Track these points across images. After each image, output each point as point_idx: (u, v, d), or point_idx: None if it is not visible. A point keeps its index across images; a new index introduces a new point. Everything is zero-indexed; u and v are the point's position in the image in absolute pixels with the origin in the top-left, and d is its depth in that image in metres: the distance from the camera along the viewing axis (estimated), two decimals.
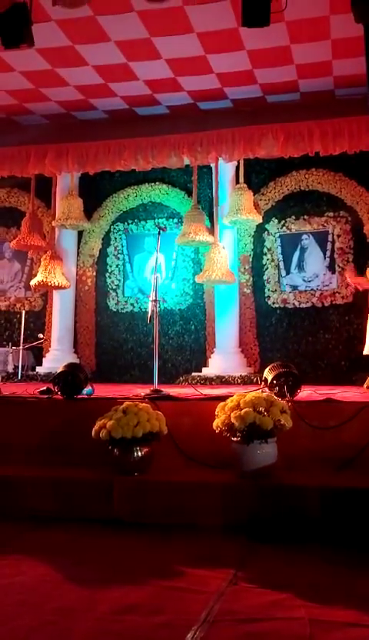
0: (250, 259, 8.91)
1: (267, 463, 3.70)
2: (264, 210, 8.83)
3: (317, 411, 4.15)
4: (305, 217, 8.79)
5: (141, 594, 2.54)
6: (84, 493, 3.79)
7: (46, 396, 4.81)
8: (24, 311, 9.11)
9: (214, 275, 8.22)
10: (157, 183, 9.31)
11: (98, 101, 7.77)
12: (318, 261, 8.71)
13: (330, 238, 8.67)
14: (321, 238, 8.72)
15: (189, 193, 9.06)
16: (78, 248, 9.56)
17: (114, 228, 9.60)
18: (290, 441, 3.85)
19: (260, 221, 8.62)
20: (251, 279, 8.88)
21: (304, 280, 8.74)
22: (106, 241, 9.63)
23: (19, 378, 8.30)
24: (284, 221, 8.87)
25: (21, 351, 8.54)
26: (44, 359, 9.14)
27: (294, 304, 8.66)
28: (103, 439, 3.83)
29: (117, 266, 9.56)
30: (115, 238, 9.60)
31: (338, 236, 8.61)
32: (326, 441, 3.99)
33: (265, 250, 8.90)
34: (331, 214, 8.67)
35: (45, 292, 9.62)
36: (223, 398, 4.06)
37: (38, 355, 9.22)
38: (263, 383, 4.69)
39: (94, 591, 2.58)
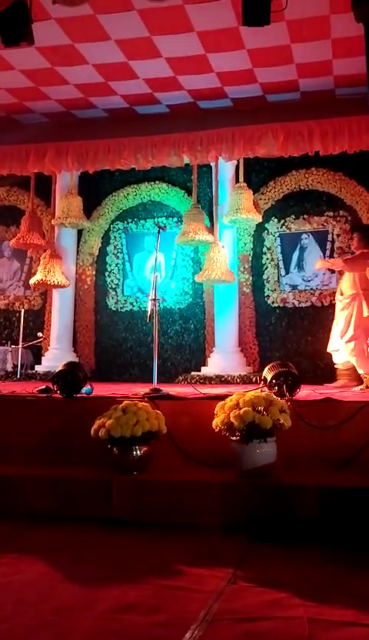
0: (250, 258, 8.91)
1: (267, 462, 3.71)
2: (264, 209, 8.83)
3: (317, 411, 4.15)
4: (305, 216, 8.79)
5: (139, 593, 2.54)
6: (83, 492, 3.79)
7: (45, 395, 4.81)
8: (23, 310, 9.10)
9: (213, 274, 8.22)
10: (156, 182, 9.31)
11: (98, 99, 7.77)
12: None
13: (329, 237, 8.67)
14: (321, 238, 8.72)
15: (189, 192, 9.06)
16: (78, 246, 9.55)
17: (114, 227, 9.60)
18: (289, 441, 3.85)
19: (260, 220, 8.62)
20: (251, 278, 8.88)
21: (303, 279, 8.74)
22: (106, 240, 9.63)
23: (18, 376, 8.30)
24: (283, 221, 8.87)
25: (20, 350, 8.53)
26: (43, 358, 9.14)
27: (293, 303, 8.66)
28: (102, 438, 3.83)
29: (116, 265, 9.56)
30: (115, 237, 9.59)
31: (338, 236, 8.61)
32: (325, 440, 3.99)
33: (265, 249, 8.90)
34: (331, 213, 8.68)
35: (45, 291, 9.61)
36: (222, 398, 4.06)
37: (37, 353, 9.22)
38: (262, 382, 4.69)
39: (93, 589, 2.59)
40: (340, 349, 6.18)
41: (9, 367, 8.72)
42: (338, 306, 6.21)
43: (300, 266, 8.80)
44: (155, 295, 5.32)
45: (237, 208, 8.32)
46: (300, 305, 8.64)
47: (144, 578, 2.72)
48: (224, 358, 8.39)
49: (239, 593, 2.55)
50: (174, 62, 6.78)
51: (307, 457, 3.98)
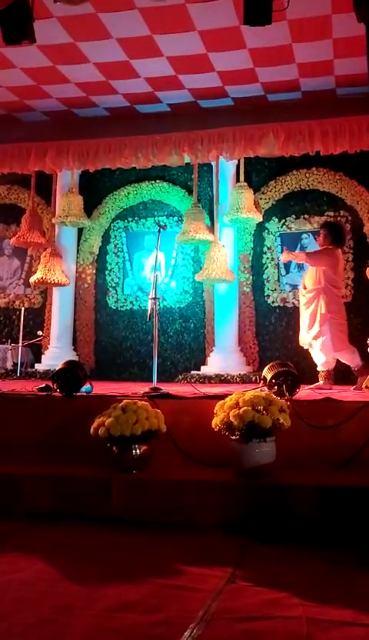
0: (250, 258, 8.92)
1: (266, 462, 3.71)
2: (265, 209, 8.83)
3: (316, 411, 4.15)
4: (305, 216, 8.79)
5: (138, 592, 2.54)
6: (83, 491, 3.79)
7: (45, 394, 4.80)
8: (23, 308, 9.11)
9: (213, 273, 8.22)
10: (157, 181, 9.31)
11: (99, 98, 7.77)
12: None
13: None
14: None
15: (189, 191, 9.06)
16: (78, 245, 9.56)
17: (114, 226, 9.60)
18: (288, 440, 3.85)
19: (261, 219, 8.63)
20: (251, 278, 8.88)
21: None
22: (106, 238, 9.63)
23: (18, 375, 8.30)
24: (284, 220, 8.87)
25: (20, 349, 8.54)
26: (43, 356, 9.14)
27: (293, 303, 8.65)
28: (102, 437, 3.83)
29: (116, 264, 9.56)
30: (115, 236, 9.59)
31: None
32: (324, 440, 3.99)
33: (265, 249, 8.90)
34: (332, 213, 8.67)
35: (45, 289, 9.62)
36: (222, 397, 4.05)
37: (37, 352, 9.22)
38: (262, 382, 4.69)
39: (92, 588, 2.59)
40: (314, 354, 6.21)
41: (9, 365, 8.72)
42: (302, 301, 6.25)
43: (300, 266, 8.78)
44: (155, 293, 5.32)
45: (238, 208, 8.32)
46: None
47: (144, 577, 2.72)
48: (223, 357, 8.39)
49: (238, 592, 2.55)
50: (176, 61, 6.78)
51: (306, 457, 3.97)
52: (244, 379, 7.87)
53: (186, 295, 9.10)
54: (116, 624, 2.24)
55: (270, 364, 4.71)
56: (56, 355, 8.80)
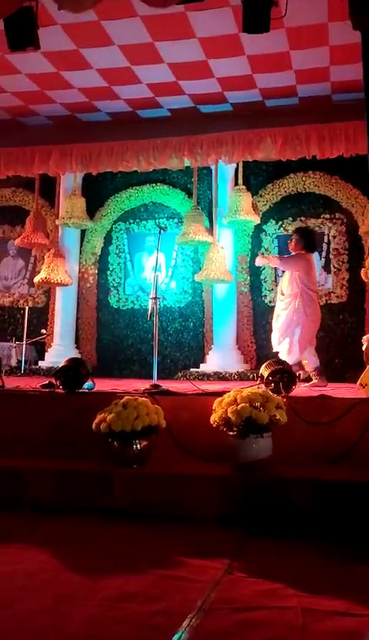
0: (248, 259, 8.91)
1: (263, 456, 3.72)
2: (262, 211, 8.83)
3: (312, 407, 4.16)
4: (302, 218, 8.79)
5: (139, 582, 2.55)
6: (85, 484, 3.80)
7: (48, 390, 4.81)
8: (27, 307, 9.11)
9: (212, 274, 8.22)
10: (158, 184, 9.30)
11: (102, 103, 7.76)
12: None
13: (326, 239, 8.67)
14: (318, 240, 8.70)
15: (189, 194, 9.06)
16: (81, 246, 9.55)
17: (116, 228, 9.60)
18: (285, 436, 3.86)
19: (258, 222, 8.63)
20: (249, 278, 8.88)
21: None
22: (108, 239, 9.63)
23: (22, 372, 8.31)
24: (281, 222, 8.87)
25: (24, 346, 8.53)
26: (46, 354, 9.14)
27: None
28: (103, 432, 3.84)
29: (118, 264, 9.56)
30: (117, 237, 9.59)
31: (334, 237, 8.61)
32: (319, 436, 4.00)
33: (263, 250, 8.90)
34: (327, 215, 8.67)
35: (48, 289, 9.62)
36: (220, 394, 4.06)
37: (40, 349, 9.22)
38: (259, 379, 4.70)
39: (94, 579, 2.59)
40: (282, 350, 6.22)
41: (13, 362, 8.72)
42: (280, 305, 6.27)
43: None
44: (156, 293, 5.33)
45: (236, 210, 8.33)
46: None
47: (144, 568, 2.72)
48: (222, 355, 8.39)
49: (235, 583, 2.56)
50: (176, 68, 6.78)
51: (302, 452, 3.98)
52: (241, 377, 7.87)
53: (185, 295, 9.11)
54: (117, 613, 2.25)
55: (267, 362, 4.72)
56: (59, 352, 8.80)
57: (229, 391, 3.95)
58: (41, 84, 7.22)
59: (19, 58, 6.47)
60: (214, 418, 3.84)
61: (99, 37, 6.12)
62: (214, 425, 3.84)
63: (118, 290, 9.49)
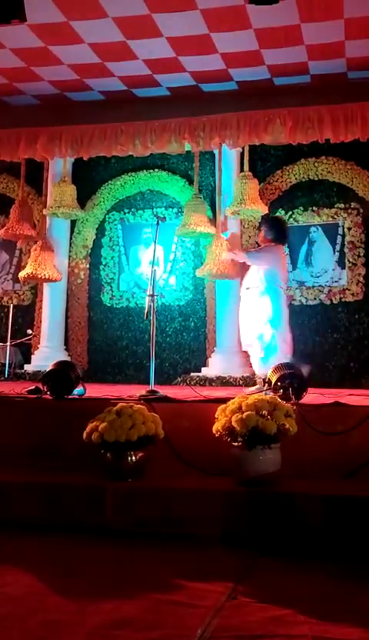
0: None
1: (270, 470, 3.71)
2: (270, 200, 8.82)
3: (324, 416, 4.16)
4: (314, 208, 8.79)
5: (134, 607, 2.55)
6: (75, 500, 3.80)
7: (35, 396, 4.81)
8: (12, 305, 9.09)
9: (215, 268, 8.21)
10: (155, 170, 9.30)
11: (94, 81, 7.76)
12: (327, 255, 8.72)
13: (340, 231, 8.67)
14: (331, 231, 8.72)
15: (190, 181, 9.06)
16: (71, 238, 9.55)
17: (110, 218, 9.59)
18: (294, 447, 3.86)
19: (266, 211, 8.62)
20: None
21: (311, 275, 8.75)
22: (100, 231, 9.62)
23: (6, 376, 8.30)
24: (291, 213, 8.86)
25: (8, 348, 8.53)
26: (32, 357, 9.14)
27: (300, 301, 8.66)
28: (95, 443, 3.84)
29: (112, 258, 9.56)
30: (110, 228, 9.59)
31: (349, 229, 8.61)
32: (333, 447, 4.00)
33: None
34: (342, 205, 8.67)
35: (35, 285, 9.62)
36: (223, 401, 4.06)
37: (26, 352, 9.22)
38: (266, 385, 4.70)
39: (84, 604, 2.59)
40: (252, 346, 6.26)
41: None
42: (244, 301, 6.29)
43: (308, 261, 8.80)
44: (153, 290, 5.33)
45: (242, 199, 8.31)
46: (308, 303, 8.64)
47: (139, 592, 2.72)
48: (225, 358, 8.39)
49: (240, 609, 2.56)
50: (176, 42, 6.77)
51: (313, 464, 3.98)
52: (247, 382, 7.87)
53: (186, 292, 9.11)
54: None
55: (276, 366, 4.72)
56: (47, 355, 8.80)
57: (233, 398, 3.95)
58: (28, 60, 7.22)
59: (3, 32, 6.46)
60: (216, 428, 3.84)
61: (91, 8, 6.11)
62: (216, 435, 3.84)
63: (111, 286, 9.49)
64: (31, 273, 8.79)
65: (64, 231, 9.47)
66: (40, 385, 4.84)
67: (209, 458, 4.03)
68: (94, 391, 5.40)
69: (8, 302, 9.51)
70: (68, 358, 8.64)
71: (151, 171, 9.30)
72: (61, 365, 4.93)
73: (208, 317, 8.95)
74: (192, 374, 8.42)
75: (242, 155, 8.67)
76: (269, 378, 4.61)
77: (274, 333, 6.09)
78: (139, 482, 3.85)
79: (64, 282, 9.37)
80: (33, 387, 5.08)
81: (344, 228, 8.65)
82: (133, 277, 9.48)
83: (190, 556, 3.24)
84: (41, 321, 9.37)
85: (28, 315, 9.59)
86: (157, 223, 5.55)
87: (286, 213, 8.87)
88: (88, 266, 9.57)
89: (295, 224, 8.84)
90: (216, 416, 3.91)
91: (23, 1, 5.11)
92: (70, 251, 9.52)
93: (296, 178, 8.82)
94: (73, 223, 9.55)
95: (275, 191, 8.87)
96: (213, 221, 8.61)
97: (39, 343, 9.22)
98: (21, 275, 8.95)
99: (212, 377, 8.08)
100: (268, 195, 8.82)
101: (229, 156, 8.72)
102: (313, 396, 4.87)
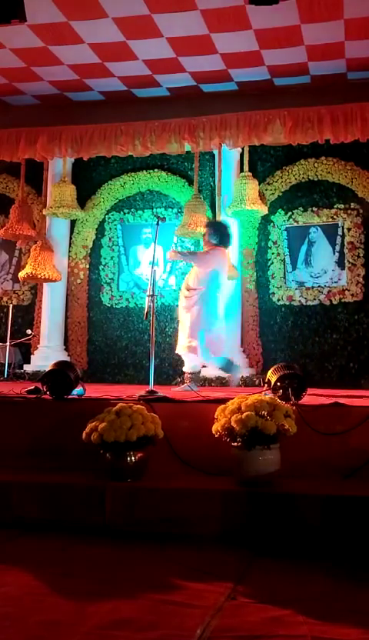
0: (254, 253, 8.92)
1: (270, 470, 3.71)
2: (270, 200, 8.83)
3: (324, 416, 4.15)
4: (314, 208, 8.79)
5: (133, 608, 2.54)
6: (74, 500, 3.79)
7: (34, 396, 4.81)
8: (11, 305, 9.10)
9: None
10: (155, 170, 9.31)
11: (94, 81, 7.77)
12: (327, 255, 8.72)
13: (340, 231, 8.68)
14: (330, 231, 8.72)
15: (189, 181, 9.06)
16: (71, 238, 9.56)
17: (109, 218, 9.60)
18: (294, 448, 3.85)
19: (266, 212, 8.63)
20: (255, 274, 8.88)
21: (311, 276, 8.75)
22: (100, 231, 9.63)
23: (5, 376, 8.30)
24: (290, 213, 8.87)
25: (7, 348, 8.53)
26: (32, 357, 9.14)
27: (300, 301, 8.67)
28: (94, 443, 3.83)
29: (111, 258, 9.56)
30: (110, 229, 9.60)
31: (348, 230, 8.61)
32: (333, 447, 4.00)
33: (270, 243, 8.91)
34: (341, 206, 8.68)
35: (35, 285, 9.62)
36: (223, 401, 4.06)
37: (25, 352, 9.22)
38: (266, 385, 4.69)
39: (84, 604, 2.58)
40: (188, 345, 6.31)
41: None
42: (182, 302, 6.34)
43: (307, 262, 8.81)
44: (153, 290, 5.32)
45: (242, 199, 8.32)
46: (308, 304, 8.64)
47: (138, 592, 2.72)
48: None
49: (239, 609, 2.55)
50: (176, 42, 6.78)
51: (313, 465, 3.98)
52: (246, 382, 7.87)
53: None
54: None
55: (275, 366, 4.71)
56: (46, 355, 8.80)
57: (233, 398, 3.95)
58: (28, 60, 7.22)
59: (3, 32, 6.47)
60: (216, 428, 3.83)
61: (91, 8, 6.12)
62: (216, 436, 3.83)
63: (111, 286, 9.49)
64: (31, 273, 8.79)
65: (63, 231, 9.47)
66: (39, 385, 4.83)
67: (208, 459, 4.03)
68: (94, 391, 5.39)
69: (7, 302, 9.51)
70: (67, 358, 8.65)
71: (151, 171, 9.31)
72: (60, 365, 4.92)
73: None
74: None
75: (242, 155, 8.68)
76: (269, 379, 4.61)
77: (207, 333, 6.17)
78: (138, 482, 3.84)
79: (64, 282, 9.38)
80: (32, 387, 5.08)
81: (343, 229, 8.66)
82: (133, 277, 9.48)
83: (189, 556, 3.23)
84: (40, 321, 9.37)
85: (27, 315, 9.59)
86: (157, 223, 5.55)
87: (286, 213, 8.88)
88: (87, 266, 9.57)
89: (295, 224, 8.85)
90: (215, 416, 3.91)
91: (23, 1, 5.12)
92: (69, 251, 9.53)
93: (296, 179, 8.83)
94: (73, 223, 9.56)
95: (275, 191, 8.88)
96: None
97: (39, 343, 9.22)
98: (21, 274, 8.95)
99: (211, 377, 8.08)
100: (268, 195, 8.83)
101: (229, 156, 8.73)
102: (312, 397, 4.87)
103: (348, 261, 8.57)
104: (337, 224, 8.70)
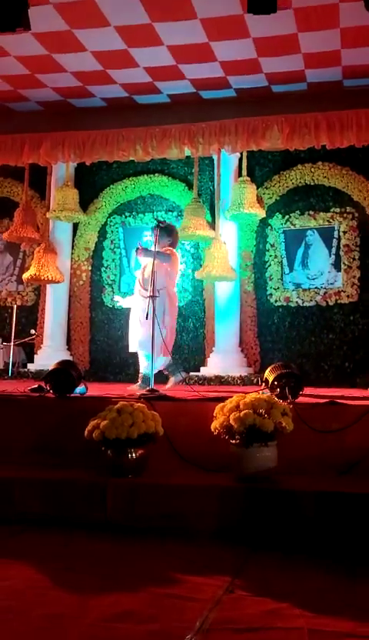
0: (252, 255, 8.92)
1: (267, 467, 3.71)
2: (268, 204, 8.83)
3: (320, 414, 4.15)
4: (310, 212, 8.79)
5: (134, 601, 2.54)
6: (76, 496, 3.79)
7: (37, 395, 4.80)
8: (15, 306, 9.11)
9: (214, 271, 8.22)
10: (156, 174, 9.31)
11: (96, 88, 7.76)
12: (323, 258, 8.72)
13: (335, 234, 8.68)
14: (327, 235, 8.73)
15: (189, 185, 9.06)
16: (73, 240, 9.56)
17: (111, 221, 9.60)
18: (291, 445, 3.85)
19: (263, 215, 8.63)
20: (253, 276, 8.88)
21: (308, 278, 8.75)
22: (102, 234, 9.63)
23: (10, 375, 8.30)
24: (288, 217, 8.87)
25: (12, 348, 8.53)
26: (35, 356, 9.14)
27: (297, 302, 8.67)
28: (96, 440, 3.83)
29: (113, 260, 9.56)
30: (112, 231, 9.60)
31: (344, 233, 8.62)
32: (328, 444, 4.00)
33: (268, 246, 8.91)
34: (337, 209, 8.68)
35: (38, 286, 9.62)
36: (221, 399, 4.06)
37: (29, 351, 9.22)
38: (263, 384, 4.69)
39: (85, 597, 2.58)
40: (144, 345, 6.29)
41: (0, 365, 8.72)
42: (142, 302, 6.29)
43: (304, 264, 8.81)
44: (153, 291, 5.32)
45: (240, 203, 8.32)
46: (304, 304, 8.64)
47: (139, 586, 2.72)
48: (224, 358, 8.39)
49: (237, 602, 2.55)
50: (176, 50, 6.77)
51: (309, 462, 3.98)
52: (244, 381, 7.87)
53: (185, 294, 9.10)
54: (109, 634, 2.24)
55: (273, 365, 4.72)
56: (49, 354, 8.79)
57: (231, 397, 3.95)
58: (32, 67, 7.21)
59: (8, 40, 6.46)
60: (215, 426, 3.84)
61: (94, 17, 6.11)
62: (215, 433, 3.83)
63: (112, 288, 9.49)
64: (35, 275, 8.79)
65: (66, 234, 9.47)
66: (43, 384, 4.84)
67: (207, 456, 4.03)
68: (96, 389, 5.40)
69: (11, 303, 9.51)
70: (70, 358, 8.64)
71: (152, 175, 9.31)
72: (63, 364, 4.92)
73: (207, 318, 8.95)
74: (191, 373, 8.40)
75: (240, 160, 8.68)
76: (266, 378, 4.61)
77: (163, 332, 6.15)
78: (139, 478, 3.84)
79: (67, 284, 9.37)
80: (36, 386, 5.07)
81: (339, 232, 8.66)
82: (133, 279, 9.44)
83: (188, 550, 3.23)
84: (43, 322, 9.37)
85: (31, 316, 9.59)
86: (157, 227, 5.54)
87: (283, 217, 8.88)
88: (89, 268, 9.57)
89: (292, 227, 8.86)
90: (214, 414, 3.91)
91: (28, 10, 5.11)
92: (72, 254, 9.52)
93: (293, 183, 8.83)
94: (75, 226, 9.56)
95: (272, 195, 8.88)
96: (212, 224, 8.61)
97: (42, 343, 9.22)
98: (25, 276, 8.95)
99: (210, 376, 8.08)
100: (266, 199, 8.83)
101: (228, 161, 8.73)
102: (308, 395, 4.87)
103: (344, 263, 8.57)
104: (333, 227, 8.70)
